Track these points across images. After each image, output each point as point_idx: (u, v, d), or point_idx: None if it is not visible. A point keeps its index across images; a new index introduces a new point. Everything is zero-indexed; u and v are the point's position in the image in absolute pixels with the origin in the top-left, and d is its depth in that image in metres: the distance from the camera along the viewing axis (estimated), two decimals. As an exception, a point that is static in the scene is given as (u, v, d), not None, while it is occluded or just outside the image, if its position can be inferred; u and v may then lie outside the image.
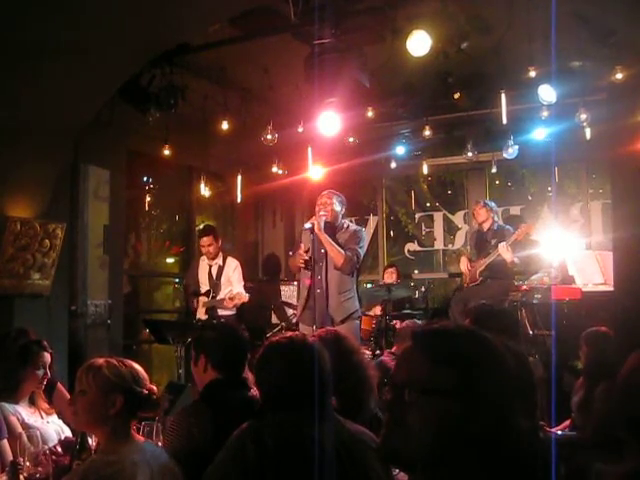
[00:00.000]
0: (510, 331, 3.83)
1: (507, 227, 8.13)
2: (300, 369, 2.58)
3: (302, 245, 6.42)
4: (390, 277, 9.11)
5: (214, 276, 8.04)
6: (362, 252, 6.34)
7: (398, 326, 7.79)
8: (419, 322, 6.02)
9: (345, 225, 6.42)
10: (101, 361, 2.84)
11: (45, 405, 3.99)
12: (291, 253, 6.65)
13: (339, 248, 6.14)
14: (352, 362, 3.15)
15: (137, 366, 2.92)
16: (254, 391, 3.28)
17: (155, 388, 2.91)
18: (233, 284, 7.96)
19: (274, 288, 9.47)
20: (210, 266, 8.08)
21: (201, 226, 8.92)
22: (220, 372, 3.42)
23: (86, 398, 2.78)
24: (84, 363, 2.92)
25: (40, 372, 3.91)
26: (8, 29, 5.15)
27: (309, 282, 6.42)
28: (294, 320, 8.02)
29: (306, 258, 6.34)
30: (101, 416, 2.75)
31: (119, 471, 2.55)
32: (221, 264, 8.05)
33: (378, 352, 7.64)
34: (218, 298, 7.85)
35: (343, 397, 2.78)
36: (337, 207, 6.34)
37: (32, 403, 3.95)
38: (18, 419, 3.75)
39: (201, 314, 7.91)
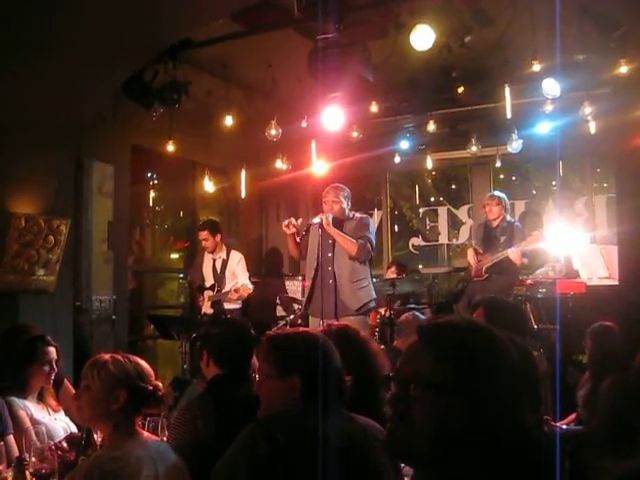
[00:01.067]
0: (519, 325, 3.83)
1: (516, 223, 8.04)
2: (313, 364, 2.58)
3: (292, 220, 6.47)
4: (391, 275, 9.10)
5: (218, 270, 8.07)
6: (373, 238, 6.36)
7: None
8: (419, 314, 5.99)
9: (351, 215, 6.45)
10: (106, 357, 2.85)
11: (53, 402, 4.00)
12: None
13: (350, 238, 6.16)
14: (361, 355, 3.14)
15: (143, 362, 2.92)
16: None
17: (160, 384, 2.91)
18: (238, 276, 8.00)
19: (278, 283, 9.48)
20: (214, 260, 8.12)
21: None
22: (221, 368, 3.44)
23: (90, 393, 2.79)
24: (89, 359, 2.93)
25: (46, 368, 3.92)
26: (10, 25, 5.16)
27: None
28: (299, 314, 8.02)
29: (295, 224, 6.39)
30: (105, 411, 2.76)
31: (124, 467, 2.55)
32: (225, 257, 8.10)
33: (382, 347, 7.63)
34: (223, 291, 7.88)
35: (352, 390, 2.77)
36: (344, 203, 6.37)
37: (40, 399, 3.96)
38: (27, 414, 3.77)
39: (207, 308, 7.95)
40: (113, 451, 2.67)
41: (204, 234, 8.08)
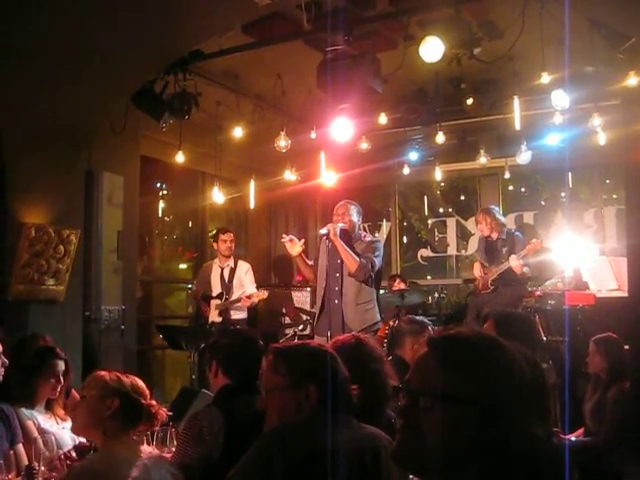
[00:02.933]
0: (529, 337, 3.83)
1: (516, 233, 8.06)
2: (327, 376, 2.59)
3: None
4: (398, 286, 9.08)
5: (226, 278, 8.10)
6: (378, 261, 6.29)
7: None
8: (417, 318, 5.92)
9: (362, 236, 6.42)
10: (104, 372, 2.93)
11: (61, 411, 4.01)
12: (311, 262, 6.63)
13: (354, 255, 6.12)
14: (370, 368, 3.14)
15: (139, 381, 2.97)
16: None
17: (154, 402, 2.93)
18: (246, 286, 8.04)
19: (286, 293, 9.49)
20: (222, 269, 8.14)
21: (214, 231, 8.99)
22: (230, 378, 3.44)
23: (85, 402, 2.87)
24: (98, 368, 2.97)
25: (52, 380, 3.93)
26: (20, 37, 5.20)
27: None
28: (307, 329, 8.01)
29: (295, 239, 6.36)
30: (97, 418, 2.81)
31: (113, 468, 2.57)
32: (233, 266, 8.14)
33: (391, 358, 7.59)
34: (232, 299, 7.90)
35: (359, 402, 2.77)
36: (354, 218, 6.34)
37: (48, 409, 3.97)
38: (34, 424, 3.78)
39: (214, 317, 7.96)
40: (104, 455, 2.73)
41: (231, 235, 8.22)
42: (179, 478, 2.77)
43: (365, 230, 10.38)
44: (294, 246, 6.34)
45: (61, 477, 3.03)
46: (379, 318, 6.34)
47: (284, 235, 6.51)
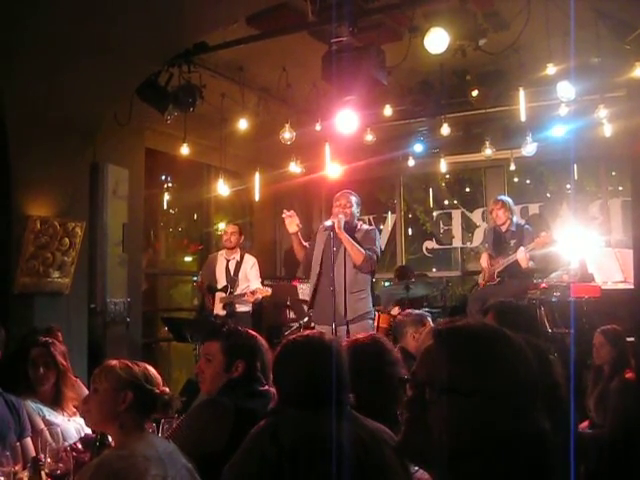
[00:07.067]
0: (531, 328, 3.81)
1: (526, 226, 8.04)
2: (317, 367, 2.59)
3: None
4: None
5: (232, 272, 8.08)
6: (379, 251, 6.35)
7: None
8: (416, 311, 5.91)
9: (359, 225, 6.43)
10: (114, 362, 2.89)
11: (71, 409, 4.01)
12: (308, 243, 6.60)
13: (359, 247, 6.12)
14: (385, 368, 3.15)
15: (151, 368, 2.94)
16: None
17: (167, 389, 2.92)
18: (251, 280, 8.02)
19: (291, 286, 9.50)
20: (227, 261, 8.13)
21: (221, 224, 9.00)
22: (240, 372, 3.44)
23: (98, 395, 2.82)
24: (103, 360, 2.95)
25: (36, 369, 3.93)
26: (25, 29, 5.20)
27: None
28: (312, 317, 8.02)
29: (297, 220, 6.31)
30: (112, 412, 2.78)
31: (131, 465, 2.56)
32: (239, 260, 8.12)
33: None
34: (237, 293, 7.90)
35: (366, 397, 2.78)
36: (354, 208, 6.34)
37: (58, 404, 3.97)
38: (40, 415, 3.79)
39: (218, 310, 7.95)
40: (120, 450, 2.70)
41: (234, 228, 8.19)
42: (194, 472, 2.77)
43: (370, 222, 10.42)
44: (292, 223, 6.32)
45: (67, 469, 3.04)
46: (371, 308, 6.32)
47: (285, 210, 6.47)
